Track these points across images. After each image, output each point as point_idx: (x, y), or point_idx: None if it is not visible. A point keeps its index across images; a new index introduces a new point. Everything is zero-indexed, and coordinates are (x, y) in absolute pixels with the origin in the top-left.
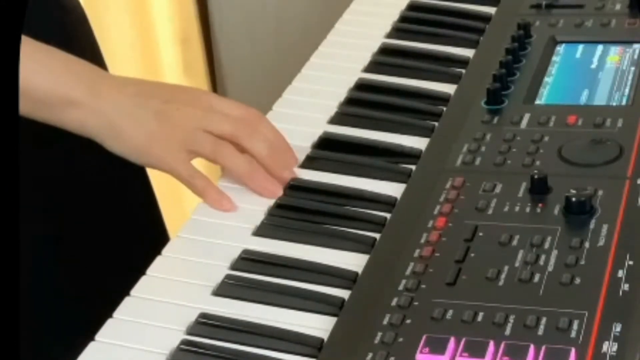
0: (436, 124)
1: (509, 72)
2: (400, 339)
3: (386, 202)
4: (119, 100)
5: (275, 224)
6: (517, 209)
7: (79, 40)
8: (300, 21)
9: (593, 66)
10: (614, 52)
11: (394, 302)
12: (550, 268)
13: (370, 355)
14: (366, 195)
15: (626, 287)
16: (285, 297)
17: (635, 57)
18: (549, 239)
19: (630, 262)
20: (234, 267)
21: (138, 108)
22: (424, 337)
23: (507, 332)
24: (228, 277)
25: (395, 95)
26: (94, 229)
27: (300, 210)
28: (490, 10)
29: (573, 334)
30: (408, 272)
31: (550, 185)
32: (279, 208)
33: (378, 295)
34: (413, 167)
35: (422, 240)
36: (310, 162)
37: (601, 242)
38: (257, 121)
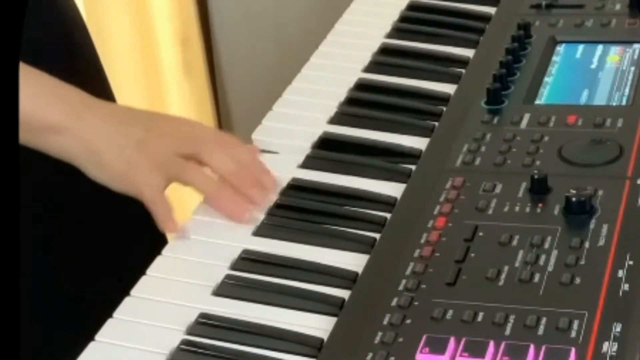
0: (436, 124)
1: (509, 72)
2: (400, 339)
3: (386, 202)
4: (101, 127)
5: (275, 224)
6: (517, 209)
7: (78, 51)
8: (300, 21)
9: (593, 66)
10: (614, 52)
11: (394, 302)
12: (550, 268)
13: (370, 355)
14: (366, 195)
15: (626, 287)
16: (285, 297)
17: (635, 57)
18: (549, 239)
19: (630, 262)
20: (234, 267)
21: (119, 135)
22: (424, 337)
23: (507, 332)
24: (228, 277)
25: (395, 95)
26: (93, 229)
27: (300, 210)
28: (490, 10)
29: (573, 334)
30: (408, 272)
31: (550, 185)
32: (279, 208)
33: (378, 295)
34: (413, 167)
35: (422, 240)
36: (310, 162)
37: (601, 242)
38: (231, 144)
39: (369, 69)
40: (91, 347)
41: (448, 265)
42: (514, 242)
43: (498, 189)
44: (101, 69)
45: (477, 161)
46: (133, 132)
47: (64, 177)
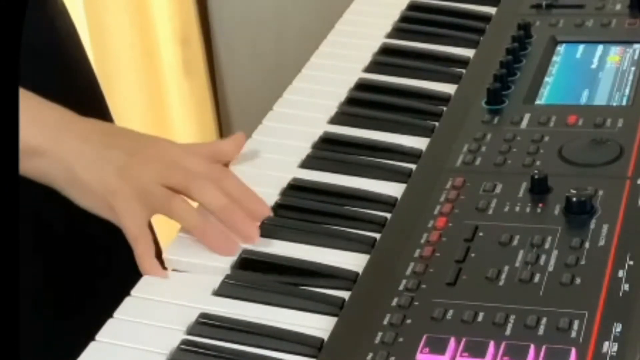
0: (436, 124)
1: (509, 72)
2: (401, 339)
3: (386, 202)
4: (80, 149)
5: (276, 224)
6: (517, 209)
7: (74, 67)
8: (300, 21)
9: (593, 66)
10: (614, 52)
11: (394, 302)
12: (550, 268)
13: (370, 355)
14: (366, 195)
15: (626, 287)
16: (286, 297)
17: (636, 57)
18: (549, 239)
19: (631, 262)
20: (234, 266)
21: (101, 160)
22: (424, 337)
23: (508, 332)
24: (228, 276)
25: (396, 95)
26: (93, 228)
27: (301, 210)
28: (491, 10)
29: (573, 334)
30: (408, 272)
31: (551, 185)
32: (279, 208)
33: (378, 295)
34: (413, 167)
35: (423, 240)
36: (310, 162)
37: (601, 242)
38: (219, 176)
39: (369, 69)
40: (91, 347)
41: (448, 265)
42: (514, 242)
43: (498, 189)
44: (98, 87)
45: (478, 161)
46: (114, 156)
47: None
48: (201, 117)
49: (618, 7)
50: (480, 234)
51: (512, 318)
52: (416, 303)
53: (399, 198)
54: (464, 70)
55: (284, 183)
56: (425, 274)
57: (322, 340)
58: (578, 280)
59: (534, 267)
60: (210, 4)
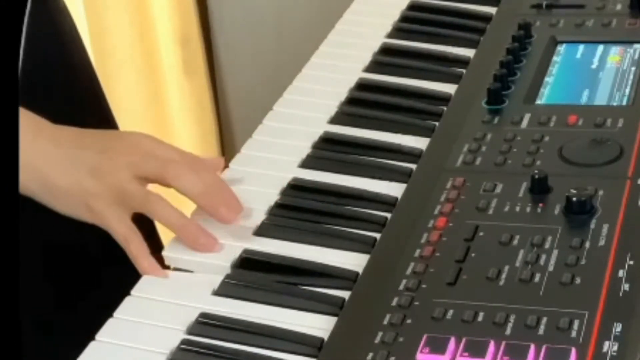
0: (437, 123)
1: (510, 72)
2: (401, 339)
3: (386, 202)
4: (50, 151)
5: (276, 223)
6: (517, 208)
7: (77, 72)
8: (300, 21)
9: (594, 66)
10: (615, 52)
11: (394, 302)
12: (550, 268)
13: (370, 355)
14: (367, 195)
15: (626, 287)
16: (285, 297)
17: (636, 57)
18: (549, 238)
19: (631, 262)
20: (235, 266)
21: (72, 162)
22: (424, 337)
23: (508, 332)
24: (228, 276)
25: (396, 95)
26: (93, 227)
27: (301, 210)
28: (491, 10)
29: (573, 334)
30: (408, 271)
31: (551, 185)
32: (280, 208)
33: (378, 295)
34: (413, 167)
35: (423, 240)
36: (310, 162)
37: (601, 242)
38: (196, 164)
39: (369, 68)
40: (91, 347)
41: (448, 265)
42: (515, 242)
43: (498, 189)
44: (99, 87)
45: (478, 161)
46: (87, 157)
47: None
48: (201, 117)
49: (618, 7)
50: (481, 233)
51: (512, 318)
52: (416, 303)
53: (399, 198)
54: (464, 70)
55: (284, 183)
56: (425, 274)
57: (322, 340)
58: (578, 280)
59: (534, 267)
60: (210, 4)
